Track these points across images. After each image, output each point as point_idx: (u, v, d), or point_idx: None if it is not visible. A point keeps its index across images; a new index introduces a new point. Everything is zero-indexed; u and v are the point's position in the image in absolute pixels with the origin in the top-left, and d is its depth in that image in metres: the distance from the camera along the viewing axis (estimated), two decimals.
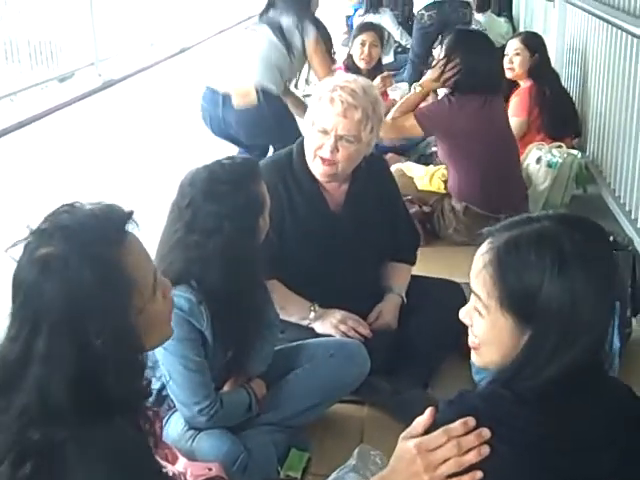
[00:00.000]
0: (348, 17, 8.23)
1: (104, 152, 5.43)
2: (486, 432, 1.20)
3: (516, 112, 4.33)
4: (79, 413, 1.20)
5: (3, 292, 1.29)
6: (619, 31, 3.99)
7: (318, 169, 2.51)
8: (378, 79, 4.68)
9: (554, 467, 1.20)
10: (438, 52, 4.12)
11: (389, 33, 6.75)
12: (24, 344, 1.22)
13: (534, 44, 4.53)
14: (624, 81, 3.89)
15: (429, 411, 1.27)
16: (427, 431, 1.25)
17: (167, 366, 1.98)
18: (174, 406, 2.08)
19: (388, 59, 6.60)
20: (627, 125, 3.82)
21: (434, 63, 3.81)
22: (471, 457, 1.20)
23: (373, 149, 2.61)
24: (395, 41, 7.19)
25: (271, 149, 4.06)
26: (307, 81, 4.70)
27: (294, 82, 4.34)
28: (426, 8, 6.15)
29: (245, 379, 2.17)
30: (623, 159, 3.90)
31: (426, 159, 4.50)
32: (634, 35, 3.71)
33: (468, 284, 1.33)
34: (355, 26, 5.85)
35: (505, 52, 4.51)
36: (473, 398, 1.27)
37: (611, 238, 2.62)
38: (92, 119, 6.37)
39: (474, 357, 1.35)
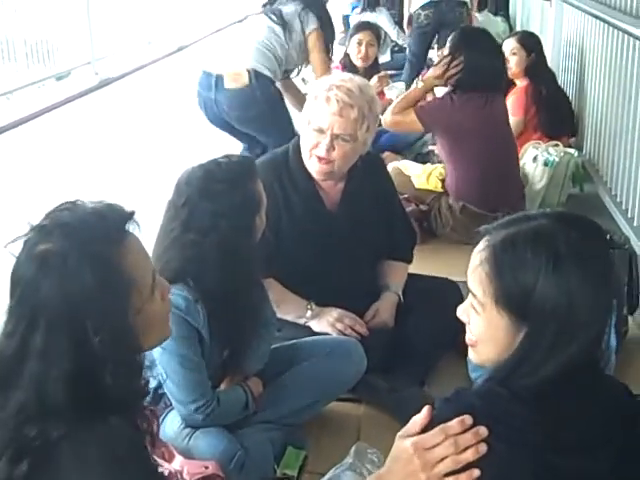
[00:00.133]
0: (345, 16, 8.23)
1: (101, 151, 5.42)
2: (483, 430, 1.20)
3: (513, 111, 4.33)
4: (76, 411, 1.20)
5: (1, 288, 1.29)
6: (616, 30, 4.00)
7: (314, 168, 2.51)
8: (375, 78, 4.68)
9: (551, 465, 1.20)
10: (436, 53, 4.13)
11: (386, 32, 6.76)
12: (21, 340, 1.22)
13: (530, 43, 4.54)
14: (620, 80, 3.89)
15: (426, 409, 1.27)
16: (424, 429, 1.25)
17: (164, 364, 1.97)
18: (170, 404, 2.08)
19: (385, 58, 6.60)
20: (624, 124, 3.82)
21: (437, 60, 3.81)
22: (468, 455, 1.20)
23: (370, 147, 2.61)
24: (392, 40, 7.19)
25: None
26: (304, 80, 4.71)
27: (295, 73, 4.34)
28: (423, 7, 6.15)
29: (242, 377, 2.17)
30: (620, 158, 3.90)
31: (423, 158, 4.50)
32: (631, 34, 3.71)
33: (465, 282, 1.33)
34: (352, 25, 5.86)
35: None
36: (470, 396, 1.27)
37: (608, 237, 2.62)
38: (89, 118, 6.37)
39: (471, 355, 1.36)
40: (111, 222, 1.29)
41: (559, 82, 4.90)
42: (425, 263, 2.97)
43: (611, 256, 1.31)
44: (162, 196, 2.12)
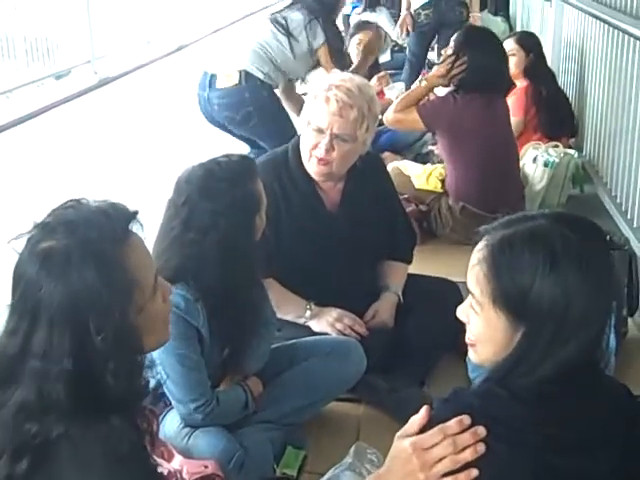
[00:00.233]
0: (346, 16, 8.22)
1: (100, 150, 5.42)
2: (482, 430, 1.20)
3: (513, 111, 4.32)
4: (77, 410, 1.20)
5: (4, 285, 1.29)
6: (616, 31, 3.99)
7: (313, 168, 2.51)
8: (375, 78, 4.68)
9: (551, 466, 1.20)
10: (436, 53, 4.13)
11: (386, 32, 6.75)
12: (23, 338, 1.22)
13: (529, 44, 4.53)
14: (621, 80, 3.89)
15: (424, 409, 1.27)
16: (422, 429, 1.25)
17: (163, 363, 1.97)
18: (170, 404, 2.08)
19: (385, 58, 6.59)
20: (624, 125, 3.82)
21: (441, 59, 3.80)
22: (467, 455, 1.20)
23: (369, 148, 2.61)
24: (392, 40, 7.19)
25: None
26: (303, 80, 4.71)
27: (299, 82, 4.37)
28: (422, 7, 6.14)
29: (241, 377, 2.17)
30: (620, 159, 3.90)
31: (422, 158, 4.50)
32: (631, 35, 3.71)
33: (465, 283, 1.33)
34: (352, 24, 5.85)
35: None
36: (468, 396, 1.27)
37: (607, 238, 2.62)
38: (88, 117, 6.37)
39: (471, 354, 1.36)
40: (115, 221, 1.29)
41: (559, 82, 4.90)
42: (425, 263, 2.97)
43: (611, 257, 1.31)
44: (162, 195, 2.12)
